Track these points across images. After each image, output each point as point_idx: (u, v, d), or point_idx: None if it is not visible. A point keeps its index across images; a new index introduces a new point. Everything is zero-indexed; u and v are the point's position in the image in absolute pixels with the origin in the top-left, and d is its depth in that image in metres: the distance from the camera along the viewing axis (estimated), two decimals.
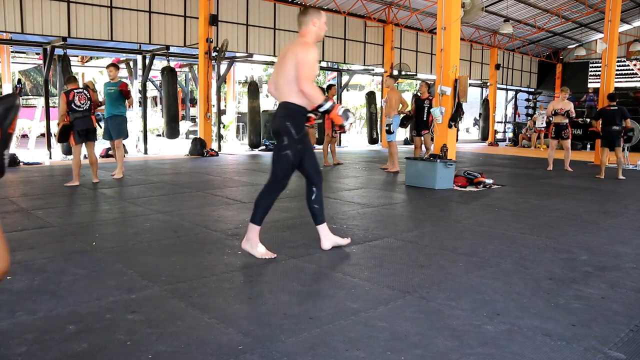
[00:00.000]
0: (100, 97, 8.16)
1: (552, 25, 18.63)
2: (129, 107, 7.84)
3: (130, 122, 18.72)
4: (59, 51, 10.56)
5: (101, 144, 10.50)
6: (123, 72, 18.92)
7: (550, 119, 10.20)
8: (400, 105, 9.03)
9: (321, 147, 10.69)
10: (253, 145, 13.48)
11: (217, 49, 12.18)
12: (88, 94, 6.86)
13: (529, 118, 20.57)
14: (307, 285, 3.07)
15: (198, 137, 12.42)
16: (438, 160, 7.11)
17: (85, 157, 7.50)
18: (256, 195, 3.71)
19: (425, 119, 9.18)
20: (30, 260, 3.46)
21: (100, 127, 7.49)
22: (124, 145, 11.71)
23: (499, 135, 21.81)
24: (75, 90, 6.85)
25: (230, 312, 2.63)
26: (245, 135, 16.32)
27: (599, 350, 2.27)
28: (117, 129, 7.57)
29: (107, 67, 7.67)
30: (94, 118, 6.94)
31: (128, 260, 3.50)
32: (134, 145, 13.19)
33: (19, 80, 7.02)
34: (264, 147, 13.66)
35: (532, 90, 23.09)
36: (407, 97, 23.02)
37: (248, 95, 14.01)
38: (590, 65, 21.35)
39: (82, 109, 6.78)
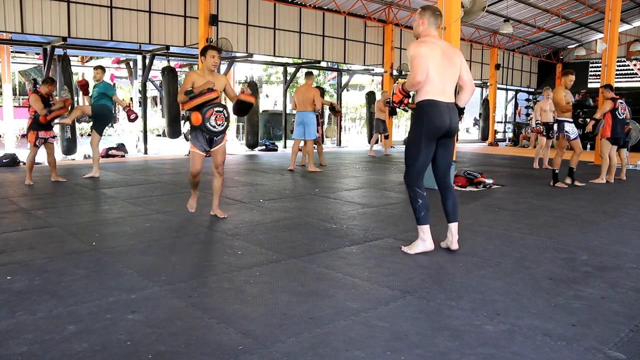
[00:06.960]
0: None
1: (552, 25, 18.62)
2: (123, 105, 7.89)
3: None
4: (59, 51, 10.55)
5: (103, 144, 10.48)
6: (123, 72, 19.05)
7: (538, 119, 10.19)
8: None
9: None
10: (250, 145, 13.49)
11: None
12: (50, 99, 7.05)
13: (528, 118, 20.57)
14: (307, 285, 3.06)
15: None
16: None
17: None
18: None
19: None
20: (30, 260, 3.46)
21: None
22: (123, 145, 11.79)
23: (499, 135, 21.80)
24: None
25: (230, 312, 2.63)
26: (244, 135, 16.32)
27: (599, 350, 2.28)
28: (92, 128, 7.73)
29: (94, 68, 7.69)
30: (45, 119, 6.99)
31: (128, 260, 3.50)
32: (134, 145, 13.18)
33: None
34: (263, 147, 13.65)
35: (532, 90, 23.08)
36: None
37: None
38: (590, 65, 21.33)
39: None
